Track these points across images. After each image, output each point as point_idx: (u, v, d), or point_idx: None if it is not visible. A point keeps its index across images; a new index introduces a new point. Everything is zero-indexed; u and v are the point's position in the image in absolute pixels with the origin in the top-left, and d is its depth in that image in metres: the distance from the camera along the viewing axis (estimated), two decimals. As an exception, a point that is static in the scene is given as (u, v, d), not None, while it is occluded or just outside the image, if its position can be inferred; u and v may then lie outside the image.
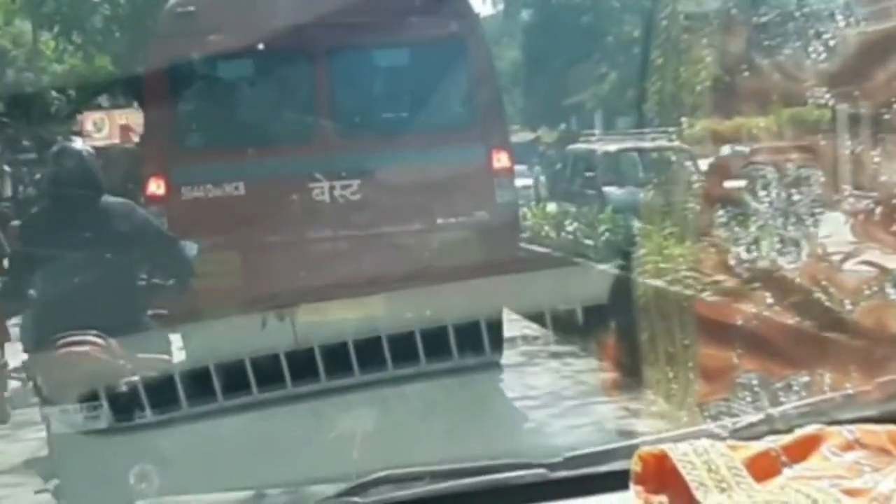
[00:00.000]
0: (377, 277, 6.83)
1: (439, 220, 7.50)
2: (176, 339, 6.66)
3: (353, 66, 7.95)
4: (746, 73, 6.93)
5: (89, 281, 4.99)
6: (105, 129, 23.16)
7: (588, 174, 18.05)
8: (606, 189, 16.46)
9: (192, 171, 7.46)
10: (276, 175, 7.48)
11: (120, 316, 4.94)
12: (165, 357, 5.24)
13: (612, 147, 18.87)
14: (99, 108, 24.72)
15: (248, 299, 6.95)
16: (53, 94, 23.94)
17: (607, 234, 10.32)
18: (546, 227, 12.27)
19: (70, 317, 4.81)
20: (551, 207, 14.88)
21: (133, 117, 21.84)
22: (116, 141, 22.34)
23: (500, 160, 7.65)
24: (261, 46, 7.49)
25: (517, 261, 7.90)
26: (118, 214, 5.32)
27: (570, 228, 11.50)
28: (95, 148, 23.29)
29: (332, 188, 7.42)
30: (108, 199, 5.37)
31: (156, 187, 7.43)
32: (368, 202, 7.42)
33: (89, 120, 23.64)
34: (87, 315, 4.77)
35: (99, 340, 4.70)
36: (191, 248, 5.69)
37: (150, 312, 5.41)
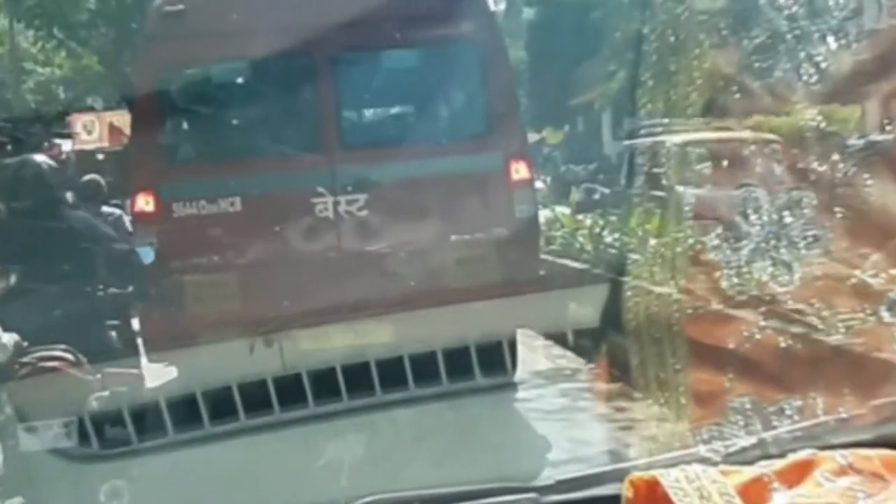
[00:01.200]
0: (385, 300, 6.51)
1: (453, 237, 7.02)
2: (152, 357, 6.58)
3: (359, 70, 7.50)
4: (737, 95, 6.86)
5: (49, 296, 4.98)
6: (95, 131, 22.49)
7: (655, 171, 15.14)
8: (680, 190, 13.80)
9: (185, 186, 6.97)
10: (276, 190, 7.01)
11: (81, 330, 4.90)
12: (135, 372, 5.20)
13: (683, 138, 15.43)
14: (91, 109, 23.93)
15: (248, 323, 6.58)
16: (35, 95, 23.15)
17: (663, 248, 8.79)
18: (581, 239, 10.75)
19: (30, 331, 4.76)
20: (560, 210, 13.33)
21: (127, 119, 21.37)
22: (107, 144, 21.81)
23: (519, 171, 7.18)
24: (258, 49, 6.94)
25: (541, 281, 7.50)
26: (75, 227, 5.33)
27: (609, 239, 9.84)
28: (85, 152, 22.83)
29: (336, 203, 6.97)
30: (65, 211, 5.41)
31: (144, 203, 6.95)
32: (376, 218, 6.98)
33: (79, 122, 22.89)
34: (48, 330, 4.74)
35: (69, 356, 4.67)
36: (146, 254, 5.62)
37: (111, 324, 5.37)
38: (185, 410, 5.24)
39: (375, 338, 6.53)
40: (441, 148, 7.19)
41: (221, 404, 5.25)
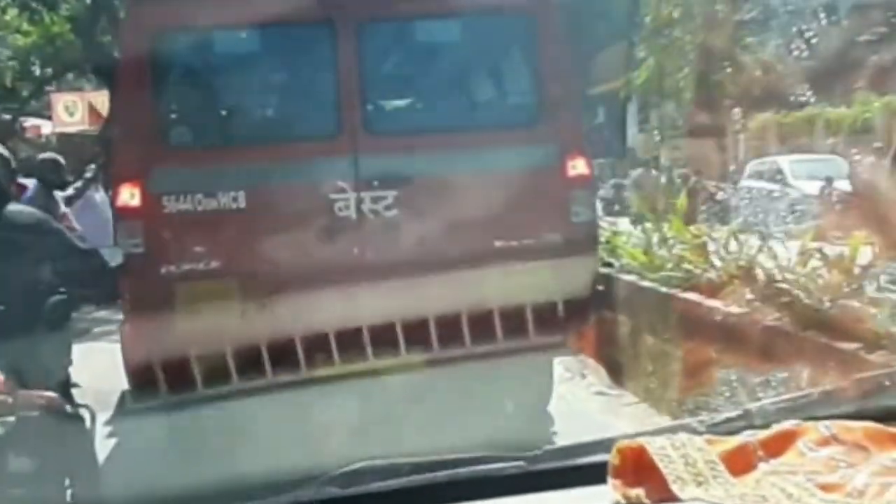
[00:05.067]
0: (415, 317, 5.57)
1: (497, 244, 5.95)
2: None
3: (388, 42, 6.34)
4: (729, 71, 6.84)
5: None
6: (78, 112, 21.07)
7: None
8: None
9: (178, 177, 5.86)
10: (287, 183, 5.90)
11: (20, 335, 4.62)
12: (52, 395, 4.78)
13: None
14: (79, 89, 22.88)
15: (249, 343, 5.57)
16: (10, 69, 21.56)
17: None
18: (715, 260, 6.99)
19: None
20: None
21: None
22: (89, 126, 20.71)
23: (576, 167, 6.09)
24: (269, 14, 5.78)
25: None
26: (23, 225, 4.83)
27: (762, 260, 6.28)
28: (66, 135, 21.92)
29: (359, 201, 5.89)
30: (12, 207, 4.92)
31: (129, 197, 5.78)
32: (406, 220, 5.93)
33: (59, 102, 21.49)
34: None
35: None
36: (114, 252, 5.27)
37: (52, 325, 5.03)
38: (180, 373, 5.20)
39: (409, 358, 5.75)
40: (484, 137, 6.10)
41: (215, 369, 5.24)
